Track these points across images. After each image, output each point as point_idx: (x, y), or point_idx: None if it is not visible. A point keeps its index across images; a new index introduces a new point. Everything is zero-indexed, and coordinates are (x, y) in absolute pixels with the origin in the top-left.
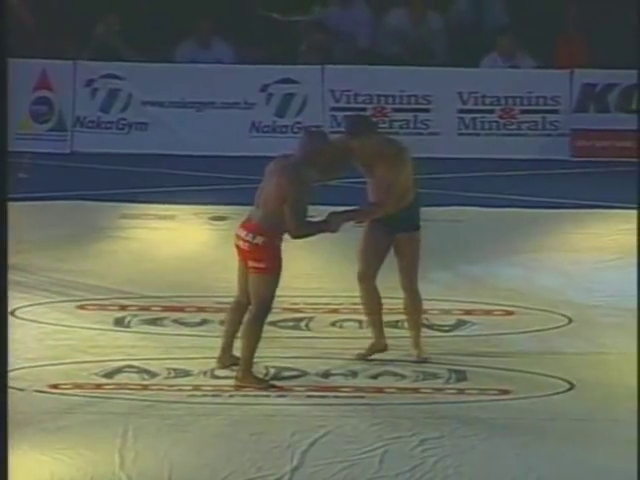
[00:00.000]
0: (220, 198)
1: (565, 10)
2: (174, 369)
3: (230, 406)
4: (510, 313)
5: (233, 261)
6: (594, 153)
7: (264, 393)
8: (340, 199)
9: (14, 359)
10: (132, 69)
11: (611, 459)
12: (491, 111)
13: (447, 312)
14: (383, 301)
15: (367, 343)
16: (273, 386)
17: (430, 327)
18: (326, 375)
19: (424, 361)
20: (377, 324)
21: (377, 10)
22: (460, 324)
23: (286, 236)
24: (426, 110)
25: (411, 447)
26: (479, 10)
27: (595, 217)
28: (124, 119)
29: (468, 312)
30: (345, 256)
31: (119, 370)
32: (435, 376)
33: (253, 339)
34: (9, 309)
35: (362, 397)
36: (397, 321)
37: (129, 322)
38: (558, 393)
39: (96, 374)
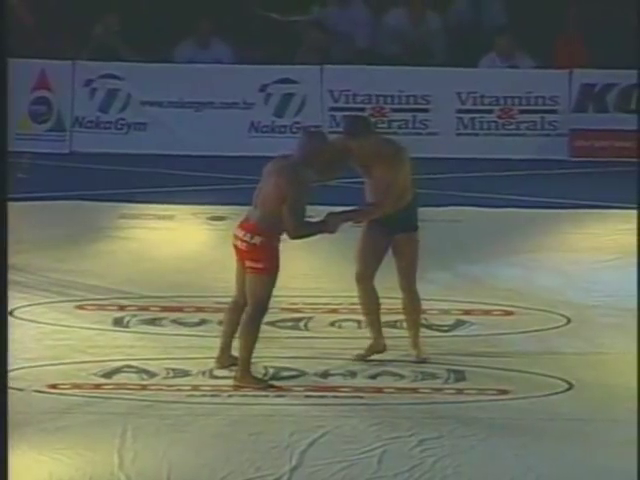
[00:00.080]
0: (219, 198)
1: (564, 10)
2: (173, 369)
3: (229, 406)
4: (509, 313)
5: (232, 261)
6: (593, 153)
7: (263, 393)
8: (338, 199)
9: (13, 359)
10: (131, 69)
11: (610, 459)
12: (490, 111)
13: (446, 312)
14: (382, 301)
15: (366, 343)
16: (272, 386)
17: (429, 327)
18: (325, 375)
19: (423, 361)
20: (375, 324)
21: (376, 10)
22: (459, 324)
23: (284, 236)
24: (425, 110)
25: (410, 447)
26: (478, 10)
27: (594, 217)
28: (123, 119)
29: (467, 312)
30: (344, 256)
31: (118, 370)
32: (434, 376)
33: (250, 339)
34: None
35: (361, 397)
36: (396, 321)
37: (128, 322)
38: (557, 393)
39: (95, 374)
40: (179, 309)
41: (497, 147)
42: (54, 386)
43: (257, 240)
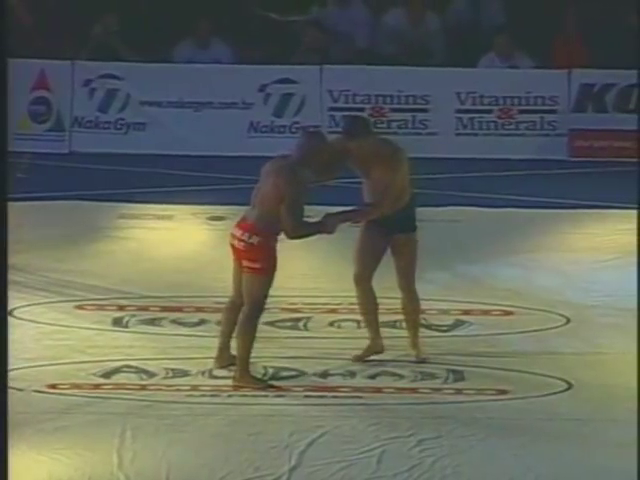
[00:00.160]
0: (218, 198)
1: (563, 10)
2: (172, 369)
3: (228, 406)
4: (508, 313)
5: (231, 261)
6: (592, 153)
7: (262, 393)
8: (337, 199)
9: (12, 359)
10: (130, 69)
11: (609, 459)
12: (489, 111)
13: (445, 312)
14: (381, 301)
15: (365, 343)
16: (271, 386)
17: (428, 327)
18: (324, 375)
19: (422, 361)
20: (373, 325)
21: (375, 10)
22: (458, 324)
23: (282, 236)
24: (424, 110)
25: (409, 447)
26: (476, 10)
27: (593, 217)
28: (122, 119)
29: (466, 312)
30: (343, 256)
31: (117, 370)
32: (433, 376)
33: (248, 339)
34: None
35: (360, 397)
36: (395, 321)
37: (127, 322)
38: (556, 393)
39: (94, 374)
40: (178, 309)
41: (496, 147)
42: (53, 386)
43: (255, 240)
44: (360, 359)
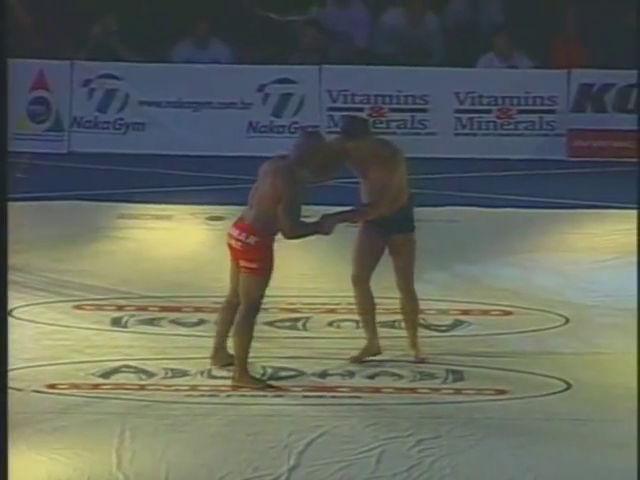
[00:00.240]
0: (217, 198)
1: (562, 10)
2: (171, 369)
3: (227, 406)
4: (507, 313)
5: (229, 261)
6: (591, 153)
7: (261, 393)
8: (336, 199)
9: (11, 359)
10: (129, 69)
11: (608, 459)
12: (488, 111)
13: (444, 312)
14: (380, 301)
15: (364, 343)
16: (270, 386)
17: (427, 327)
18: (323, 375)
19: (421, 361)
20: (370, 326)
21: (374, 10)
22: (457, 324)
23: (280, 236)
24: (423, 110)
25: (408, 447)
26: (475, 10)
27: (592, 217)
28: (121, 119)
29: (465, 312)
30: (342, 256)
31: (116, 370)
32: (432, 376)
33: (245, 338)
34: None
35: (359, 397)
36: (394, 321)
37: (126, 322)
38: (555, 393)
39: (93, 374)
40: (177, 309)
41: (495, 147)
42: (52, 386)
43: (252, 240)
44: (357, 360)
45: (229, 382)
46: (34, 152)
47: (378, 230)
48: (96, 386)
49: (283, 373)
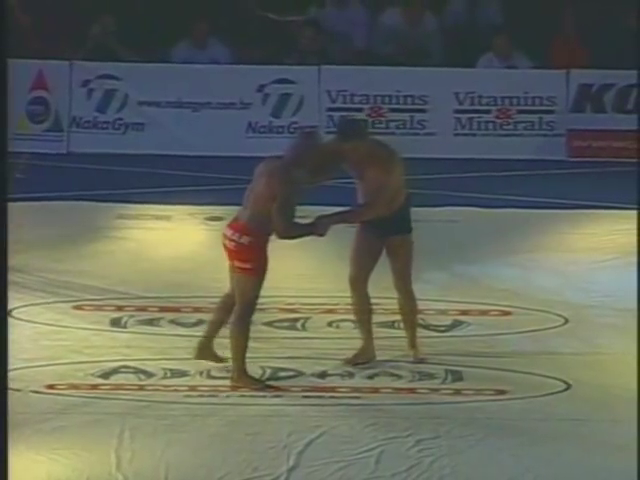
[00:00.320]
0: (216, 198)
1: (561, 10)
2: (170, 369)
3: (226, 406)
4: (506, 313)
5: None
6: (590, 153)
7: (260, 393)
8: (333, 199)
9: (10, 359)
10: (128, 69)
11: (608, 459)
12: (487, 111)
13: (443, 312)
14: (379, 302)
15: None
16: (269, 386)
17: (426, 327)
18: (322, 375)
19: (420, 361)
20: (366, 330)
21: (373, 10)
22: (456, 324)
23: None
24: (422, 110)
25: (407, 447)
26: (474, 10)
27: (591, 217)
28: (120, 119)
29: (464, 312)
30: (341, 256)
31: (115, 370)
32: (431, 376)
33: (241, 339)
34: None
35: (358, 397)
36: (393, 321)
37: (125, 322)
38: (554, 393)
39: (92, 374)
40: (177, 309)
41: (495, 147)
42: (51, 386)
43: (245, 240)
44: (350, 363)
45: (228, 382)
46: (33, 152)
47: (375, 231)
48: (95, 386)
49: (282, 373)
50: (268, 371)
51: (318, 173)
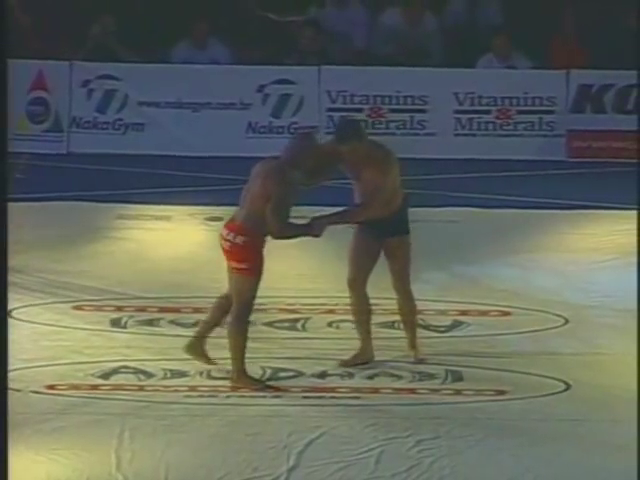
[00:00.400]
0: (216, 199)
1: (561, 11)
2: (170, 370)
3: (226, 407)
4: (506, 314)
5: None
6: (590, 154)
7: (260, 394)
8: (332, 200)
9: (10, 360)
10: (128, 70)
11: (608, 460)
12: (487, 112)
13: (443, 313)
14: (378, 302)
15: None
16: (269, 387)
17: (426, 328)
18: (322, 376)
19: (420, 362)
20: (364, 332)
21: (373, 11)
22: (456, 325)
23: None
24: (422, 111)
25: (407, 448)
26: (474, 11)
27: (591, 218)
28: (120, 120)
29: (464, 313)
30: (341, 256)
31: (115, 371)
32: (431, 377)
33: (240, 339)
34: None
35: (358, 398)
36: (393, 322)
37: (125, 323)
38: (554, 394)
39: (92, 375)
40: (176, 310)
41: (495, 148)
42: (51, 387)
43: (240, 240)
44: (347, 364)
45: (228, 383)
46: (33, 153)
47: (373, 232)
48: (95, 387)
49: (282, 374)
50: (268, 371)
51: (316, 174)
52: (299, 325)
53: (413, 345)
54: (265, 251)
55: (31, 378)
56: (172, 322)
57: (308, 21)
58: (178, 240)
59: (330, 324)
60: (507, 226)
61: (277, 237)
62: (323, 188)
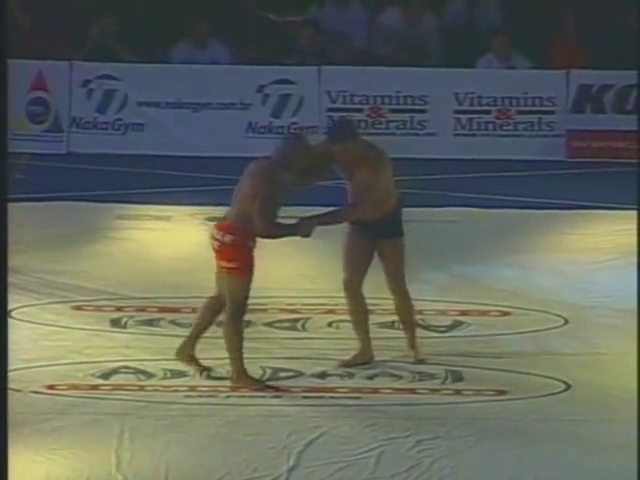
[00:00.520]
0: (216, 199)
1: (561, 11)
2: (170, 370)
3: (226, 407)
4: (506, 314)
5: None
6: (590, 154)
7: (260, 394)
8: (331, 199)
9: (10, 360)
10: (128, 70)
11: (608, 460)
12: (487, 112)
13: (443, 313)
14: (378, 302)
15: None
16: (269, 387)
17: (426, 328)
18: (322, 376)
19: (420, 362)
20: (363, 333)
21: (373, 11)
22: (456, 325)
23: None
24: (422, 111)
25: (407, 448)
26: (473, 11)
27: (591, 218)
28: (120, 120)
29: (464, 313)
30: (341, 257)
31: (115, 371)
32: (431, 377)
33: (236, 339)
34: None
35: (358, 398)
36: (393, 322)
37: (125, 323)
38: (554, 394)
39: (92, 375)
40: (176, 310)
41: (494, 148)
42: (51, 387)
43: (229, 239)
44: (347, 365)
45: (228, 383)
46: (33, 153)
47: (366, 233)
48: (95, 387)
49: (282, 374)
50: (268, 371)
51: (309, 174)
52: (299, 325)
53: (413, 345)
54: (264, 251)
55: (31, 378)
56: (172, 322)
57: (308, 21)
58: (178, 240)
59: (330, 324)
60: (507, 226)
61: (264, 237)
62: (321, 188)
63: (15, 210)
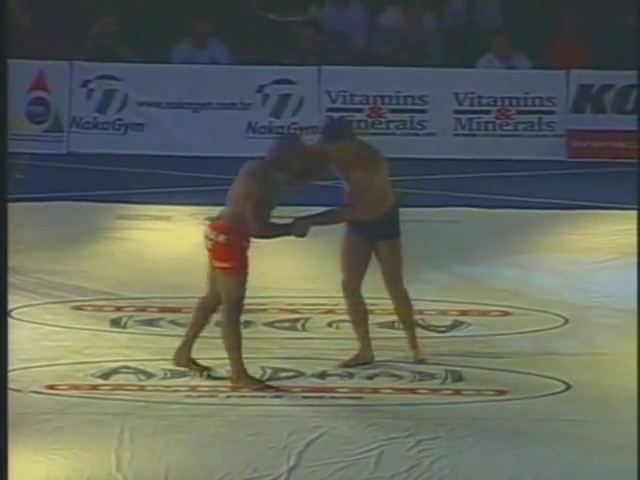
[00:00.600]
0: (216, 199)
1: (561, 11)
2: (170, 370)
3: (226, 407)
4: (506, 314)
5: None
6: (590, 154)
7: (260, 394)
8: (328, 199)
9: (10, 360)
10: (128, 70)
11: (608, 460)
12: (487, 112)
13: (443, 313)
14: (378, 302)
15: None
16: (269, 387)
17: (426, 328)
18: (322, 376)
19: (421, 362)
20: (362, 334)
21: (373, 11)
22: (456, 325)
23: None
24: (422, 111)
25: (407, 448)
26: (474, 11)
27: (591, 218)
28: (120, 120)
29: (464, 313)
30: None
31: (115, 371)
32: (432, 377)
33: (234, 339)
34: None
35: (358, 398)
36: (393, 322)
37: (125, 323)
38: (554, 394)
39: (92, 375)
40: (176, 310)
41: (494, 148)
42: (51, 387)
43: (222, 238)
44: (347, 366)
45: (228, 383)
46: (33, 153)
47: (363, 233)
48: (95, 387)
49: (282, 374)
50: (268, 371)
51: (304, 174)
52: (299, 325)
53: (413, 345)
54: (264, 251)
55: (31, 378)
56: (172, 322)
57: (308, 21)
58: (178, 240)
59: (330, 324)
60: (507, 226)
61: (257, 237)
62: (319, 188)
63: (15, 210)
